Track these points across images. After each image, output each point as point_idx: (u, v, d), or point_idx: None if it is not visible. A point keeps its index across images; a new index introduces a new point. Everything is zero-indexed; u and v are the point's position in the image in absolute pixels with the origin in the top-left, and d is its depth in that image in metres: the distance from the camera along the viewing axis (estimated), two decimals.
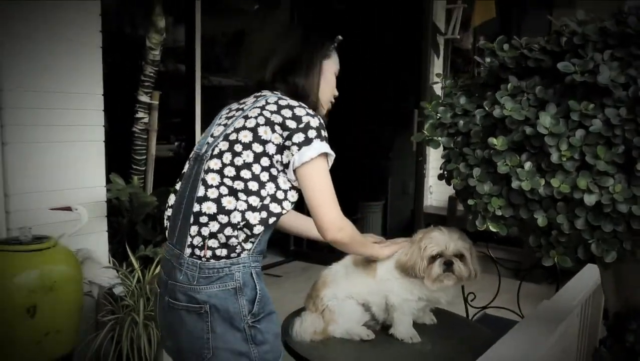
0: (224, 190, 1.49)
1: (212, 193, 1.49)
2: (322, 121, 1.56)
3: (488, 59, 1.72)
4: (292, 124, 1.51)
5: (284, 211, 1.52)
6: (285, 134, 1.50)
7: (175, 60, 5.00)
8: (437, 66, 5.84)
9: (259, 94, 1.64)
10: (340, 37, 1.78)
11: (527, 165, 1.35)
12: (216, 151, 1.53)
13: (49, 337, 2.23)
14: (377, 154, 6.10)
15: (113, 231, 3.26)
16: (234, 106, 1.66)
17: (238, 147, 1.51)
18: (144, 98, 3.41)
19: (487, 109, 1.50)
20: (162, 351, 2.54)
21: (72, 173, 2.91)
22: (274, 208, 1.51)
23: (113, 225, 3.26)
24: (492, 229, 1.42)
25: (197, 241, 1.49)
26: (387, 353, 1.68)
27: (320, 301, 1.76)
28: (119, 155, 3.55)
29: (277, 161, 1.51)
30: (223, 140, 1.54)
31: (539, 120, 1.35)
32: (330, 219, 1.51)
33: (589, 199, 1.25)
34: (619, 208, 1.23)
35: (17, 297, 2.16)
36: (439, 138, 1.64)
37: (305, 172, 1.51)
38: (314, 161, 1.50)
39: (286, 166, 1.52)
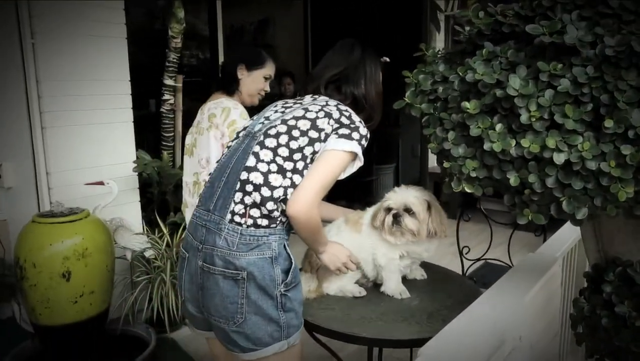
0: (273, 167, 1.40)
1: (262, 167, 1.40)
2: (368, 135, 1.50)
3: (467, 28, 1.58)
4: (345, 121, 1.47)
5: None
6: (336, 126, 1.45)
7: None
8: (439, 41, 5.59)
9: (317, 96, 1.58)
10: (387, 58, 1.71)
11: (498, 127, 1.22)
12: (273, 132, 1.44)
13: (84, 298, 2.20)
14: (388, 121, 5.95)
15: (147, 200, 3.23)
16: (291, 100, 1.59)
17: (296, 133, 1.43)
18: (168, 82, 3.32)
19: (460, 74, 1.35)
20: None
21: (105, 151, 2.87)
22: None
23: (147, 196, 3.22)
24: (467, 190, 1.29)
25: (239, 208, 1.38)
26: (377, 309, 1.57)
27: (315, 260, 1.66)
28: (153, 133, 3.51)
29: (323, 148, 1.44)
30: (281, 124, 1.46)
31: (509, 82, 1.20)
32: (305, 197, 1.39)
33: (558, 158, 1.12)
34: (588, 165, 1.09)
35: (53, 264, 2.14)
36: (419, 106, 1.51)
37: (328, 156, 1.43)
38: (342, 154, 1.43)
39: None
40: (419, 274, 1.79)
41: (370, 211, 1.69)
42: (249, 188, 1.39)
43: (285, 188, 1.39)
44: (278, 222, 1.40)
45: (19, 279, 2.19)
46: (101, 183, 2.61)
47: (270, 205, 1.38)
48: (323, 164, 1.43)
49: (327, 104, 1.51)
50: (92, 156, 2.81)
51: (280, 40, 6.29)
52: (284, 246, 1.42)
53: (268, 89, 2.22)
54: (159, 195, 3.18)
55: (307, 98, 1.58)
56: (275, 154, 1.41)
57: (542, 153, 1.14)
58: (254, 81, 2.14)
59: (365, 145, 1.49)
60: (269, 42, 6.40)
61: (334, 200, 1.82)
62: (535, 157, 1.17)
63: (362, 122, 1.51)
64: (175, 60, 3.32)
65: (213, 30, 4.41)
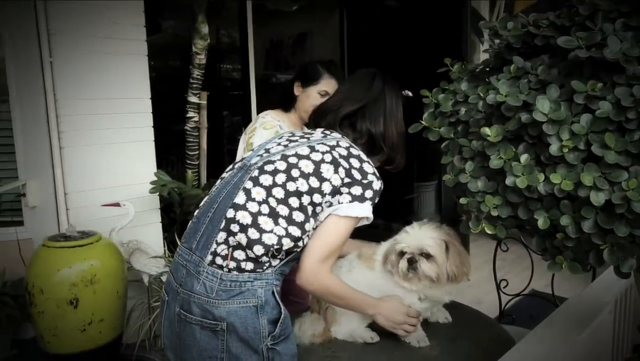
0: (264, 209, 1.24)
1: (252, 207, 1.24)
2: (382, 187, 1.33)
3: (497, 41, 1.40)
4: (357, 175, 1.29)
5: None
6: (347, 180, 1.28)
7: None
8: (484, 53, 5.34)
9: (328, 132, 1.42)
10: (409, 92, 1.56)
11: (524, 158, 1.03)
12: (270, 168, 1.29)
13: (93, 326, 2.13)
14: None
15: (170, 221, 3.16)
16: (298, 133, 1.44)
17: (295, 173, 1.27)
18: (193, 99, 3.25)
19: (481, 94, 1.17)
20: None
21: (124, 171, 2.81)
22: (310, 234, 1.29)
23: (170, 216, 3.15)
24: (487, 231, 1.10)
25: (221, 249, 1.23)
26: (390, 358, 1.39)
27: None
28: (178, 151, 3.45)
29: (326, 202, 1.28)
30: (281, 160, 1.30)
31: (536, 105, 1.01)
32: (312, 265, 1.26)
33: (597, 198, 0.92)
34: (635, 207, 0.89)
35: (60, 290, 2.07)
36: (438, 129, 1.33)
37: (339, 221, 1.28)
38: (353, 219, 1.28)
39: (329, 206, 1.29)
40: (442, 317, 1.59)
41: (383, 246, 1.51)
42: (235, 227, 1.23)
43: (280, 237, 1.23)
44: (266, 266, 1.24)
45: (29, 305, 2.13)
46: (117, 205, 2.55)
47: (258, 249, 1.22)
48: (332, 230, 1.28)
49: (337, 145, 1.34)
50: (110, 176, 2.76)
51: (318, 54, 6.21)
52: (273, 292, 1.25)
53: None
54: (181, 215, 3.11)
55: (317, 133, 1.41)
56: (269, 194, 1.25)
57: (577, 191, 0.94)
58: (308, 98, 2.06)
59: (377, 199, 1.33)
60: (306, 56, 6.34)
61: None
62: (569, 195, 0.97)
63: (376, 173, 1.33)
64: (199, 77, 3.25)
65: (244, 43, 4.35)
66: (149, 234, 2.88)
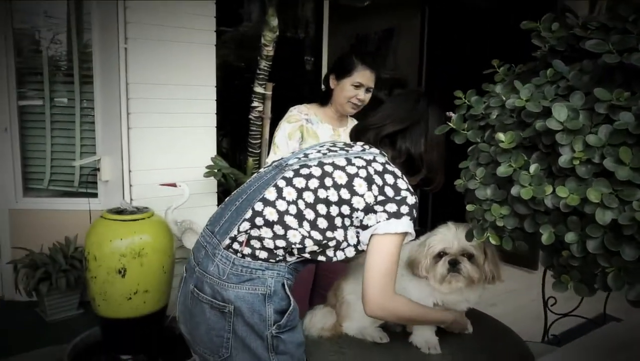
0: (292, 209, 1.27)
1: (281, 205, 1.27)
2: (417, 201, 1.32)
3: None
4: (390, 192, 1.29)
5: (334, 259, 1.31)
6: (380, 198, 1.28)
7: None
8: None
9: (367, 147, 1.43)
10: (452, 114, 1.52)
11: (533, 168, 0.96)
12: (305, 172, 1.32)
13: (138, 295, 2.26)
14: None
15: None
16: (340, 144, 1.46)
17: (328, 182, 1.29)
18: (258, 89, 3.34)
19: (504, 98, 1.11)
20: None
21: (185, 154, 2.96)
22: (330, 253, 1.30)
23: None
24: (492, 241, 1.05)
25: (241, 236, 1.27)
26: (396, 359, 1.36)
27: (340, 293, 1.50)
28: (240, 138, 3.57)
29: (356, 217, 1.28)
30: (317, 166, 1.33)
31: (553, 112, 0.95)
32: (374, 295, 1.25)
33: (603, 216, 0.85)
34: None
35: (111, 259, 2.22)
36: (465, 132, 1.27)
37: (382, 241, 1.27)
38: (395, 236, 1.27)
39: (364, 227, 1.29)
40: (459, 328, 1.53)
41: (405, 249, 1.47)
42: (259, 221, 1.26)
43: (303, 238, 1.25)
44: (280, 259, 1.27)
45: (84, 270, 2.31)
46: (174, 185, 2.69)
47: (280, 243, 1.25)
48: (379, 253, 1.27)
49: (374, 160, 1.34)
50: (171, 157, 2.92)
51: (402, 50, 6.15)
52: (283, 284, 1.27)
53: (362, 96, 2.08)
54: None
55: (357, 147, 1.42)
56: (299, 196, 1.27)
57: (584, 207, 0.87)
58: (342, 90, 2.07)
59: (416, 213, 1.31)
60: (391, 51, 6.30)
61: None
62: (577, 211, 0.90)
63: (410, 188, 1.32)
64: (266, 68, 3.33)
65: (318, 37, 4.40)
66: (204, 215, 3.00)
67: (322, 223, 1.27)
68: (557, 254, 0.99)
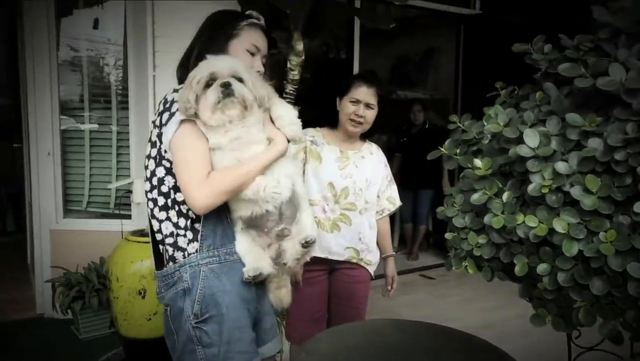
0: (150, 204, 1.37)
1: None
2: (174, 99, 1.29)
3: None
4: (161, 108, 1.31)
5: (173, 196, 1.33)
6: (158, 121, 1.30)
7: None
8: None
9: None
10: (253, 12, 1.47)
11: (506, 195, 0.94)
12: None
13: (157, 316, 2.32)
14: None
15: None
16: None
17: (147, 161, 1.37)
18: None
19: (485, 123, 1.09)
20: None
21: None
22: (179, 196, 1.30)
23: None
24: (469, 271, 1.02)
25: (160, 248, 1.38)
26: None
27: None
28: None
29: (165, 150, 1.29)
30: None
31: (524, 138, 0.93)
32: (193, 200, 1.23)
33: (569, 248, 0.82)
34: (610, 263, 0.77)
35: (132, 280, 2.29)
36: (457, 157, 1.26)
37: (172, 149, 1.26)
38: (177, 134, 1.24)
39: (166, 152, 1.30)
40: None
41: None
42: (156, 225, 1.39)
43: (168, 219, 1.35)
44: (189, 252, 1.32)
45: (107, 290, 2.40)
46: None
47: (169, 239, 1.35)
48: (175, 160, 1.29)
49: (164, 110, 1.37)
50: None
51: (442, 70, 6.14)
52: (198, 273, 1.30)
53: (361, 112, 2.07)
54: None
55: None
56: (152, 187, 1.38)
57: (553, 238, 0.84)
58: (343, 108, 2.07)
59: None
60: (431, 72, 6.32)
61: None
62: (548, 242, 0.87)
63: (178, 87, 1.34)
64: (292, 92, 3.39)
65: (349, 60, 4.44)
66: None
67: (162, 187, 1.33)
68: (534, 287, 0.95)
